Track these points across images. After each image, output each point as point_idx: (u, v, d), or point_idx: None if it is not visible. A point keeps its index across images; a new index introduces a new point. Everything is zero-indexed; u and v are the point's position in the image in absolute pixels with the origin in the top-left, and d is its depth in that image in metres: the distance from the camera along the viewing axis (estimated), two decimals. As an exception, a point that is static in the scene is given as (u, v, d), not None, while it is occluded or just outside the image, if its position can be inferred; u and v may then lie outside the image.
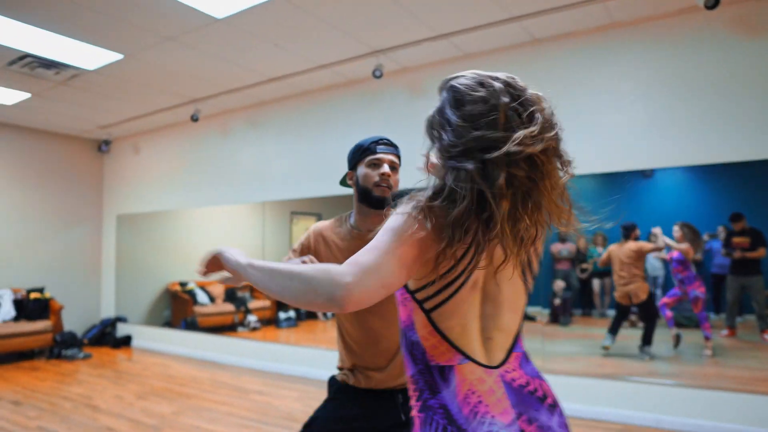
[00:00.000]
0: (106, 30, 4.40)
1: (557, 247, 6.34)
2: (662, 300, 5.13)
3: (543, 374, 1.18)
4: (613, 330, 5.03)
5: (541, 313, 5.98)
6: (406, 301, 1.11)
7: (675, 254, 4.91)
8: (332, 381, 1.97)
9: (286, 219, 7.28)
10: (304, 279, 0.97)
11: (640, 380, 4.10)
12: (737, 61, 3.83)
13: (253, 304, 7.89)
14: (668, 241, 4.89)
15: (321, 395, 4.83)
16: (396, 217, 1.03)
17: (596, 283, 6.26)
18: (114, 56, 4.92)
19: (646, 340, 4.82)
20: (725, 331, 4.88)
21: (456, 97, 1.10)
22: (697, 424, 3.72)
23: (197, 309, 7.51)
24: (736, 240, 4.68)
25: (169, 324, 7.67)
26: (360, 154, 1.84)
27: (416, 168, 1.18)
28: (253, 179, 6.50)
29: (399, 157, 1.94)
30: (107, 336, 7.56)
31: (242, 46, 4.73)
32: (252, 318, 7.62)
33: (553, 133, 1.04)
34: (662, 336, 4.97)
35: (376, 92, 5.51)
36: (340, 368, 1.94)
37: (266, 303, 7.90)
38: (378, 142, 1.87)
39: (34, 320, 6.70)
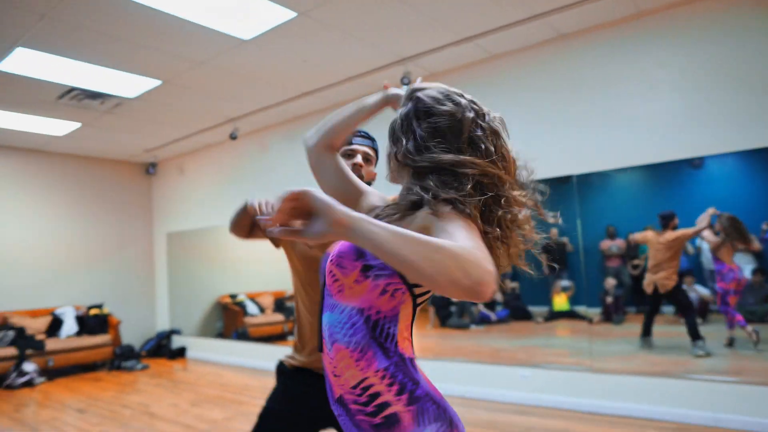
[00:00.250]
0: (143, 59, 4.63)
1: (606, 244, 6.23)
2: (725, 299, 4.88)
3: None
4: (646, 331, 4.90)
5: (590, 312, 5.90)
6: (396, 293, 1.07)
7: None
8: (281, 367, 1.95)
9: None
10: (452, 255, 0.85)
11: (697, 378, 3.97)
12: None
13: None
14: (705, 230, 4.72)
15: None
16: (456, 218, 1.00)
17: (649, 279, 6.11)
18: (152, 83, 5.17)
19: (692, 334, 4.68)
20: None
21: (422, 109, 1.15)
22: (760, 422, 3.56)
23: (248, 320, 7.73)
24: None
25: (222, 335, 7.92)
26: None
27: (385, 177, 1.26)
28: (292, 191, 6.65)
29: (375, 150, 1.97)
30: (163, 348, 7.89)
31: (271, 64, 4.89)
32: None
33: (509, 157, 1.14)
34: (721, 332, 4.78)
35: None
36: (293, 357, 1.92)
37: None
38: (355, 133, 1.90)
39: (95, 335, 7.09)
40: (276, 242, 2.04)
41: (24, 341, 6.49)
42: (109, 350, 7.14)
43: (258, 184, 6.99)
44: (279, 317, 7.96)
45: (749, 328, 4.57)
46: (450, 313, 6.86)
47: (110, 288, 7.96)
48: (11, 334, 6.49)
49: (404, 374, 1.07)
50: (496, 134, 1.16)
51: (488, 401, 4.69)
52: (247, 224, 1.97)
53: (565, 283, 6.28)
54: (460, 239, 0.91)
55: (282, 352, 6.93)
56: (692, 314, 4.77)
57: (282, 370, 1.93)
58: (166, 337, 8.00)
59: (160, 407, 5.07)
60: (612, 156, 4.32)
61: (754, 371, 4.44)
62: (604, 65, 4.37)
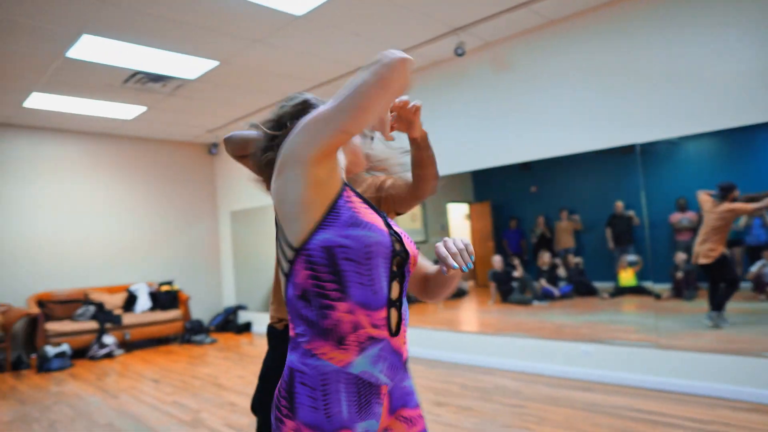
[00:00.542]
0: (201, 40, 4.73)
1: (676, 217, 5.93)
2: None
3: (286, 368, 1.16)
4: (715, 304, 4.65)
5: (658, 287, 5.66)
6: None
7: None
8: (272, 330, 1.87)
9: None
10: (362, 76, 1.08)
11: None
12: None
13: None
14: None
15: (428, 373, 4.96)
16: None
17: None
18: (211, 63, 5.28)
19: (716, 303, 4.41)
20: None
21: None
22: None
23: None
24: None
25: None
26: None
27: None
28: (350, 168, 6.69)
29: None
30: (230, 323, 8.20)
31: (324, 39, 4.88)
32: (362, 302, 7.88)
33: None
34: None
35: (459, 71, 5.47)
36: (281, 319, 1.84)
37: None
38: None
39: (166, 310, 7.45)
40: None
41: (103, 315, 6.89)
42: (179, 325, 7.49)
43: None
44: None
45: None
46: (512, 288, 6.75)
47: (179, 265, 8.31)
48: (92, 308, 6.89)
49: None
50: None
51: (549, 376, 4.60)
52: (244, 153, 1.72)
53: (631, 257, 6.04)
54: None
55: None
56: (732, 290, 4.53)
57: (273, 332, 1.86)
58: (232, 312, 8.29)
59: (228, 379, 5.28)
60: (680, 122, 4.07)
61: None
62: (668, 24, 4.11)
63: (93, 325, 6.76)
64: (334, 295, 1.09)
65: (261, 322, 8.09)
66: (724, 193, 4.71)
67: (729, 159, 4.96)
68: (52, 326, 6.48)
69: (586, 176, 5.68)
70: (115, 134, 7.88)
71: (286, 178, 1.10)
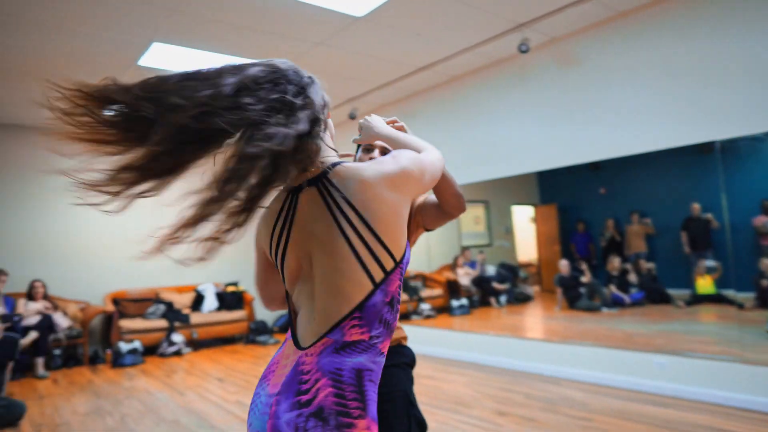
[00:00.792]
0: (263, 45, 4.80)
1: (761, 220, 5.52)
2: None
3: (344, 372, 1.05)
4: None
5: (740, 296, 5.29)
6: None
7: None
8: None
9: (453, 208, 7.32)
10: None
11: None
12: None
13: (425, 292, 8.07)
14: None
15: (490, 381, 4.82)
16: None
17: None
18: (274, 68, 5.35)
19: None
20: None
21: None
22: None
23: (372, 299, 7.87)
24: None
25: (347, 313, 8.14)
26: None
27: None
28: (411, 170, 6.63)
29: None
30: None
31: (385, 40, 4.84)
32: (425, 306, 7.79)
33: None
34: None
35: (524, 69, 5.31)
36: None
37: (439, 291, 8.02)
38: None
39: (232, 310, 7.64)
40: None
41: (173, 314, 7.13)
42: (244, 325, 7.65)
43: (378, 165, 7.05)
44: (403, 296, 8.02)
45: None
46: (579, 294, 6.50)
47: (244, 267, 8.49)
48: (162, 307, 7.15)
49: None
50: None
51: (619, 389, 4.37)
52: None
53: (710, 263, 5.67)
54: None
55: (407, 331, 6.98)
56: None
57: None
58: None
59: (289, 380, 5.32)
60: (764, 117, 3.77)
61: None
62: (750, 12, 3.81)
63: (163, 323, 7.00)
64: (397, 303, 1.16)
65: (323, 323, 8.13)
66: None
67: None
68: (126, 323, 6.77)
69: (660, 176, 5.39)
70: (184, 139, 8.15)
71: (402, 197, 1.13)
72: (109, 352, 6.66)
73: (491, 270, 7.40)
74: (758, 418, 3.52)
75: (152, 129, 0.93)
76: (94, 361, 6.64)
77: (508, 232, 7.37)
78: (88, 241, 7.29)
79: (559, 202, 6.75)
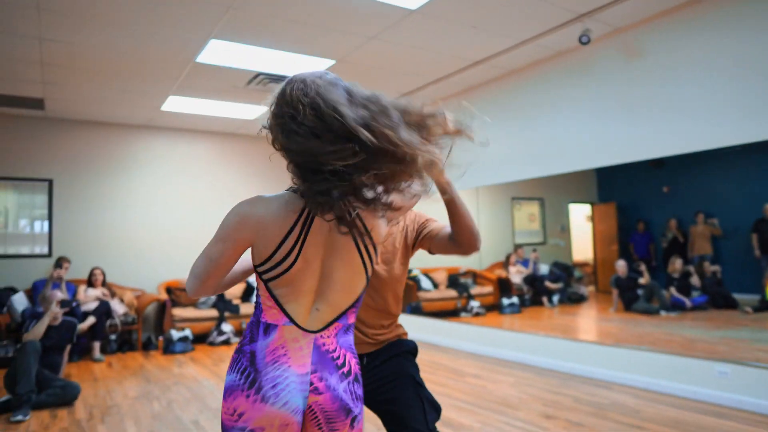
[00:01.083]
0: (317, 40, 4.81)
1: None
2: None
3: (353, 347, 1.36)
4: None
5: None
6: (256, 276, 1.32)
7: None
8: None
9: (507, 205, 7.19)
10: None
11: None
12: None
13: (475, 290, 7.96)
14: None
15: (537, 382, 4.70)
16: None
17: None
18: (327, 63, 5.36)
19: None
20: None
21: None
22: None
23: (421, 294, 7.83)
24: None
25: (396, 308, 8.13)
26: None
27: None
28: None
29: None
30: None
31: (440, 33, 4.77)
32: (474, 303, 7.68)
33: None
34: None
35: (585, 61, 5.12)
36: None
37: (489, 289, 7.90)
38: None
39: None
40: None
41: (223, 304, 7.30)
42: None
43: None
44: (452, 293, 7.93)
45: None
46: (636, 296, 6.25)
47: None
48: (213, 297, 7.33)
49: (251, 332, 1.29)
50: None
51: (675, 396, 4.17)
52: None
53: (781, 268, 5.34)
54: None
55: (455, 328, 6.93)
56: None
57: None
58: None
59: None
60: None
61: None
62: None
63: (213, 313, 7.18)
64: None
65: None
66: None
67: None
68: (178, 312, 6.98)
69: (729, 175, 5.11)
70: (239, 133, 8.33)
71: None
72: (161, 339, 6.89)
73: (544, 269, 7.23)
74: (829, 435, 3.29)
75: None
76: (147, 347, 6.89)
77: (564, 230, 7.17)
78: (145, 233, 7.57)
79: (618, 200, 6.51)
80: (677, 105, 4.38)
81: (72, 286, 6.66)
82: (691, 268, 5.79)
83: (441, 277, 8.15)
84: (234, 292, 7.75)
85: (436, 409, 1.89)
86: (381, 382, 1.91)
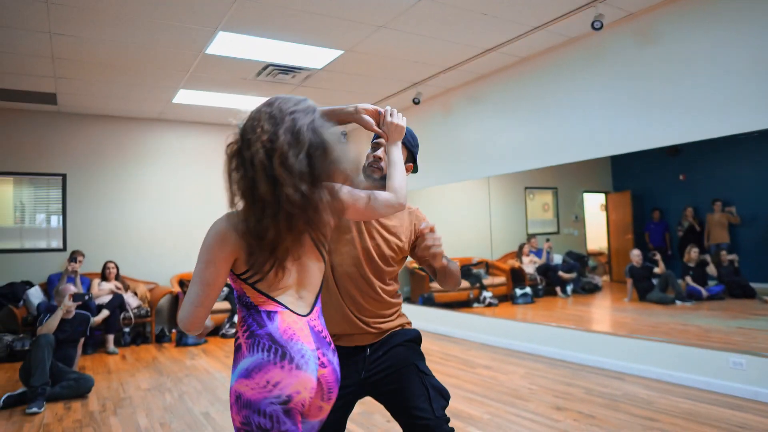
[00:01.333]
0: (325, 30, 4.77)
1: None
2: None
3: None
4: None
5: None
6: (235, 281, 1.43)
7: None
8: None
9: (520, 194, 7.12)
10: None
11: None
12: None
13: (488, 280, 7.92)
14: None
15: (548, 373, 4.67)
16: None
17: None
18: (335, 53, 5.33)
19: None
20: None
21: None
22: None
23: (434, 285, 7.81)
24: None
25: (408, 299, 8.13)
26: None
27: None
28: (476, 155, 6.49)
29: (405, 144, 1.93)
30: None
31: (450, 21, 4.71)
32: (487, 294, 7.64)
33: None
34: None
35: (598, 47, 5.03)
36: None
37: (502, 279, 7.85)
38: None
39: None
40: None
41: (234, 297, 7.34)
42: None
43: (441, 150, 6.94)
44: (464, 284, 7.89)
45: None
46: (651, 286, 6.17)
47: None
48: (225, 290, 7.37)
49: (253, 320, 1.39)
50: None
51: (689, 388, 4.12)
52: None
53: (800, 257, 5.24)
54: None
55: (467, 319, 6.90)
56: None
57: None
58: None
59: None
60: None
61: None
62: None
63: (225, 305, 7.22)
64: None
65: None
66: None
67: None
68: (192, 303, 7.02)
69: (747, 162, 4.99)
70: (250, 125, 8.32)
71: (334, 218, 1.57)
72: (174, 331, 6.95)
73: (558, 259, 7.16)
74: None
75: None
76: (161, 339, 6.95)
77: (578, 220, 7.09)
78: (158, 226, 7.63)
79: (633, 189, 6.41)
80: (692, 91, 4.29)
81: (86, 280, 6.73)
82: (708, 257, 5.70)
83: (453, 268, 8.11)
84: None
85: (444, 396, 1.88)
86: (384, 373, 1.89)
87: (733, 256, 5.73)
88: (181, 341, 6.61)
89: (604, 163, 5.72)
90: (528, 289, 7.57)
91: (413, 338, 2.00)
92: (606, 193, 6.63)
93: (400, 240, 1.95)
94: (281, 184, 1.27)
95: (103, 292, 6.62)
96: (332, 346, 1.50)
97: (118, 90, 6.35)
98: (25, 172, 7.04)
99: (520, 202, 7.07)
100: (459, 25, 4.79)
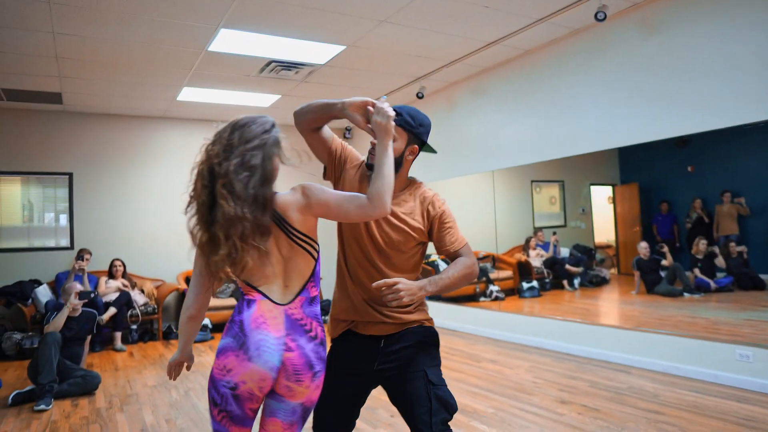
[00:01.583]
0: (326, 25, 4.76)
1: None
2: None
3: (318, 316, 1.65)
4: None
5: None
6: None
7: None
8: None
9: (527, 188, 7.09)
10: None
11: None
12: None
13: (494, 274, 7.90)
14: None
15: (554, 366, 4.65)
16: None
17: None
18: (337, 48, 5.31)
19: None
20: None
21: None
22: None
23: (440, 279, 7.78)
24: None
25: (415, 293, 8.11)
26: None
27: None
28: (480, 149, 6.46)
29: (404, 126, 1.88)
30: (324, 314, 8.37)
31: (451, 15, 4.68)
32: (494, 288, 7.62)
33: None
34: None
35: (602, 38, 4.99)
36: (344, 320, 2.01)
37: (508, 273, 7.82)
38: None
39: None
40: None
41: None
42: (315, 303, 7.80)
43: (445, 144, 6.91)
44: (471, 278, 7.86)
45: None
46: (659, 278, 6.13)
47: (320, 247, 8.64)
48: (232, 287, 7.40)
49: (238, 306, 1.62)
50: None
51: (696, 381, 4.09)
52: (315, 125, 1.98)
53: (809, 247, 5.18)
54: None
55: (473, 313, 6.89)
56: None
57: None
58: (326, 305, 8.46)
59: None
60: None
61: None
62: None
63: (232, 302, 7.26)
64: None
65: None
66: None
67: None
68: (198, 301, 7.05)
69: (756, 152, 4.93)
70: (254, 122, 8.33)
71: (310, 216, 1.71)
72: (181, 328, 6.98)
73: (565, 252, 7.13)
74: None
75: None
76: (168, 336, 7.00)
77: (585, 212, 7.04)
78: (163, 224, 7.65)
79: (640, 181, 6.36)
80: (699, 81, 4.23)
81: (94, 278, 6.78)
82: (716, 249, 5.65)
83: (460, 262, 8.09)
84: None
85: (448, 410, 1.82)
86: (395, 371, 1.87)
87: (742, 248, 5.68)
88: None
89: (611, 155, 5.68)
90: (535, 283, 7.54)
91: (430, 340, 1.95)
92: (613, 185, 6.59)
93: (410, 227, 1.89)
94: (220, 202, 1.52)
95: (110, 289, 6.67)
96: (311, 333, 1.61)
97: (123, 88, 6.37)
98: (32, 171, 7.09)
99: (527, 196, 7.04)
100: (460, 18, 4.76)
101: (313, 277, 1.65)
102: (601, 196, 6.87)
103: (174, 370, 1.86)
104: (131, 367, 5.50)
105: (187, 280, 7.46)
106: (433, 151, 2.01)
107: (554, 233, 7.18)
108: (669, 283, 6.04)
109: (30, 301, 6.48)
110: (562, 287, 7.52)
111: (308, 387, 1.58)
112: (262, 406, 1.64)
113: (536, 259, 7.13)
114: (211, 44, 5.07)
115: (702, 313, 5.61)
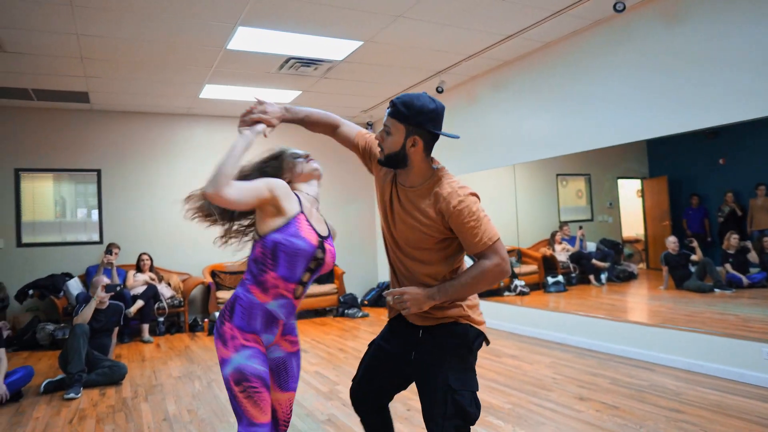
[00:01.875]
0: (342, 21, 4.76)
1: None
2: None
3: (233, 296, 1.89)
4: None
5: None
6: None
7: None
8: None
9: (552, 181, 7.00)
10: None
11: None
12: None
13: (519, 269, 7.82)
14: None
15: (575, 362, 4.59)
16: None
17: None
18: (355, 44, 5.31)
19: None
20: None
21: None
22: None
23: (463, 274, 7.75)
24: None
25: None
26: None
27: None
28: (502, 143, 6.39)
29: (398, 118, 1.81)
30: (384, 298, 8.38)
31: (469, 8, 4.63)
32: (519, 282, 7.55)
33: None
34: None
35: (623, 29, 4.87)
36: None
37: (533, 267, 7.74)
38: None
39: (322, 283, 7.85)
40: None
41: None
42: (334, 298, 7.85)
43: (466, 138, 6.86)
44: (495, 272, 7.80)
45: None
46: (688, 273, 5.99)
47: (336, 240, 8.68)
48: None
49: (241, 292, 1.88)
50: None
51: (720, 379, 3.99)
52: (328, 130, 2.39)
53: None
54: None
55: (496, 308, 6.82)
56: None
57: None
58: (387, 287, 8.47)
59: (372, 353, 5.38)
60: None
61: None
62: None
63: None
64: (270, 266, 1.83)
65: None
66: None
67: None
68: (222, 294, 7.18)
69: (791, 144, 4.78)
70: (277, 118, 8.39)
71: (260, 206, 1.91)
72: (206, 320, 7.11)
73: (592, 246, 7.02)
74: None
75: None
76: (194, 328, 7.13)
77: (612, 206, 6.92)
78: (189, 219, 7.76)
79: (670, 174, 6.22)
80: (729, 70, 4.07)
81: (122, 272, 6.94)
82: (749, 244, 5.49)
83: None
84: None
85: (464, 418, 1.76)
86: (422, 365, 1.87)
87: (776, 242, 5.50)
88: (213, 330, 6.76)
89: (639, 148, 5.57)
90: (560, 278, 7.44)
91: (461, 341, 1.86)
92: (642, 178, 6.46)
93: (423, 225, 1.81)
94: None
95: (137, 283, 6.82)
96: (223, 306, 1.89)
97: (147, 87, 6.49)
98: (62, 168, 7.29)
99: (552, 189, 6.95)
100: (477, 11, 4.71)
101: (310, 260, 1.89)
102: (629, 190, 6.75)
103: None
104: (157, 358, 5.62)
105: (213, 274, 7.59)
106: (453, 135, 1.89)
107: (580, 227, 7.08)
108: (699, 278, 5.89)
109: (62, 293, 6.68)
110: (588, 282, 7.40)
111: (280, 336, 1.94)
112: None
113: (562, 253, 7.04)
114: (229, 42, 5.12)
115: (733, 310, 5.46)
